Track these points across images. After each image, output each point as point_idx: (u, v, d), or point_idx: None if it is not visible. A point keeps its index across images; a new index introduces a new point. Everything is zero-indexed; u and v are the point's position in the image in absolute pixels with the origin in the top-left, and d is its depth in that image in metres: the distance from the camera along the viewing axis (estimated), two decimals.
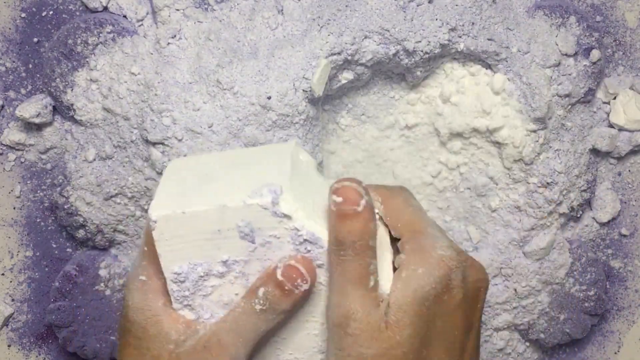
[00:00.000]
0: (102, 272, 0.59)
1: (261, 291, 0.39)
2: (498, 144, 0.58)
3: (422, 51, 0.54)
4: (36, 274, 0.62)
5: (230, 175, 0.42)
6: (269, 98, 0.53)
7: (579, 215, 0.62)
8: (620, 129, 0.61)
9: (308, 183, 0.42)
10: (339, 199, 0.37)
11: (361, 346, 0.37)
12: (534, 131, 0.57)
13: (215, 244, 0.40)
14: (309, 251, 0.39)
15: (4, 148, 0.60)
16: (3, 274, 0.61)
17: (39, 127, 0.59)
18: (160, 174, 0.54)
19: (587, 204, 0.62)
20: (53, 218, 0.61)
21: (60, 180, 0.58)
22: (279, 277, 0.38)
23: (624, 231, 0.64)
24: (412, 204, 0.42)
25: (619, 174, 0.63)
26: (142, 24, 0.57)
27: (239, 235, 0.39)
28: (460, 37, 0.55)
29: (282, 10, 0.54)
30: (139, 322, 0.41)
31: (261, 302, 0.39)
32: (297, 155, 0.43)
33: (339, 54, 0.53)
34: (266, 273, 0.39)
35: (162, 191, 0.41)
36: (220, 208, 0.39)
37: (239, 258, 0.40)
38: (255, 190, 0.39)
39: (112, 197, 0.57)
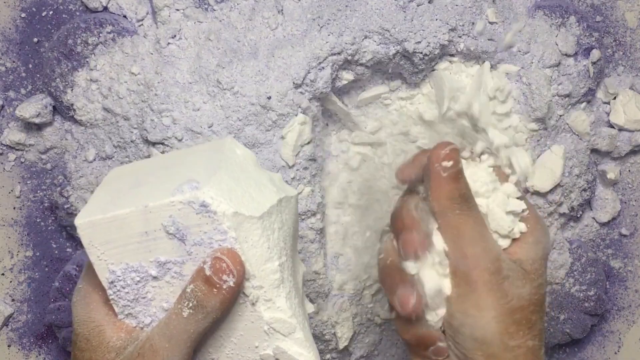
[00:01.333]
0: None
1: (190, 288, 0.38)
2: None
3: (421, 52, 0.54)
4: (36, 274, 0.62)
5: (159, 177, 0.41)
6: (269, 98, 0.53)
7: (579, 215, 0.62)
8: (620, 129, 0.61)
9: (242, 176, 0.41)
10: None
11: (517, 287, 0.41)
12: (534, 131, 0.57)
13: (146, 246, 0.39)
14: (236, 243, 0.38)
15: (4, 148, 0.60)
16: (3, 274, 0.61)
17: (39, 127, 0.59)
18: None
19: (587, 204, 0.62)
20: (53, 218, 0.61)
21: (60, 180, 0.58)
22: (207, 272, 0.38)
23: (624, 231, 0.64)
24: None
25: (619, 174, 0.63)
26: (142, 24, 0.57)
27: (167, 235, 0.38)
28: (460, 37, 0.55)
29: (282, 10, 0.54)
30: (83, 334, 0.41)
31: (190, 301, 0.38)
32: (232, 149, 0.42)
33: (339, 54, 0.53)
34: (196, 270, 0.39)
35: (93, 200, 0.41)
36: (143, 209, 0.38)
37: (172, 259, 0.39)
38: (177, 187, 0.38)
39: None
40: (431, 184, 0.41)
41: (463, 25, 0.55)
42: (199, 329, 0.39)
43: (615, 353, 0.66)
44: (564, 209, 0.59)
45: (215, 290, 0.38)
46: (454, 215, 0.41)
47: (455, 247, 0.41)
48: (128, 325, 0.41)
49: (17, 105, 0.58)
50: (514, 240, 0.43)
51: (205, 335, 0.41)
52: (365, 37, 0.54)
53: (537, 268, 0.43)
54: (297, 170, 0.54)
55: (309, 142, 0.54)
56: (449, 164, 0.40)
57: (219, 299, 0.38)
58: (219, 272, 0.38)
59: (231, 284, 0.38)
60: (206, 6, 0.55)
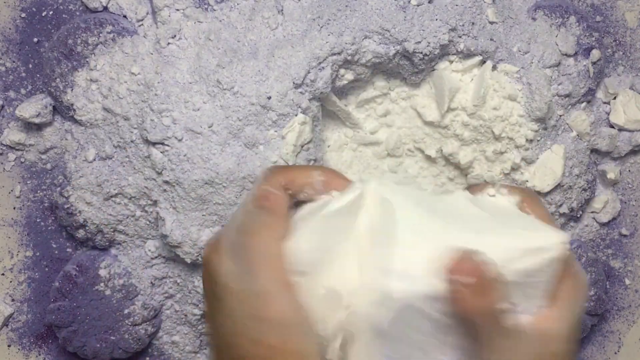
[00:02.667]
0: (102, 272, 0.59)
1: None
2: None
3: (421, 52, 0.54)
4: (36, 274, 0.62)
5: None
6: (269, 98, 0.53)
7: (579, 216, 0.62)
8: (620, 129, 0.61)
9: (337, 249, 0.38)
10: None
11: None
12: (534, 131, 0.57)
13: None
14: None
15: (4, 148, 0.60)
16: (3, 274, 0.61)
17: (39, 127, 0.59)
18: (160, 174, 0.54)
19: (587, 204, 0.62)
20: (53, 218, 0.61)
21: (60, 180, 0.58)
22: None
23: (624, 231, 0.64)
24: (550, 217, 0.42)
25: (619, 174, 0.63)
26: (142, 24, 0.57)
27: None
28: (460, 37, 0.55)
29: (282, 10, 0.54)
30: None
31: None
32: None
33: (339, 54, 0.53)
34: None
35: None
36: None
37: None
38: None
39: (112, 197, 0.57)
40: (455, 303, 0.37)
41: (463, 25, 0.55)
42: None
43: (615, 353, 0.66)
44: (564, 209, 0.59)
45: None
46: (488, 334, 0.38)
47: None
48: None
49: (17, 105, 0.58)
50: None
51: None
52: (365, 37, 0.54)
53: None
54: None
55: (309, 142, 0.54)
56: (469, 279, 0.37)
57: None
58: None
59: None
60: (206, 6, 0.55)
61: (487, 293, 0.37)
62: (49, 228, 0.62)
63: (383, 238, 0.37)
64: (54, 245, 0.62)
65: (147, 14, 0.57)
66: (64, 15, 0.59)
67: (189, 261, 0.56)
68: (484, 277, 0.37)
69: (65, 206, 0.58)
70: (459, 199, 0.41)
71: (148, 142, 0.54)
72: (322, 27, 0.54)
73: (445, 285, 0.37)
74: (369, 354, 0.37)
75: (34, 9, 0.59)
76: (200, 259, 0.56)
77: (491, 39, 0.56)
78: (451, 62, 0.57)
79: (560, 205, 0.59)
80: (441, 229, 0.38)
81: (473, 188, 0.43)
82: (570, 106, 0.58)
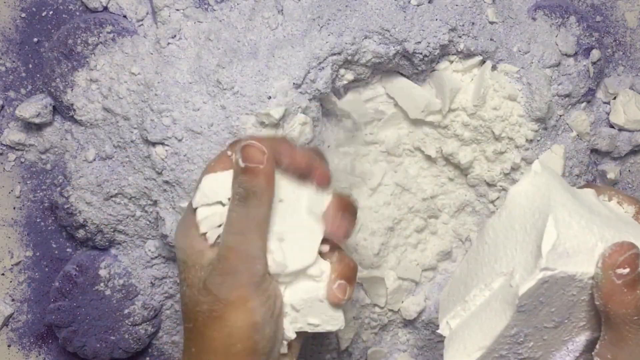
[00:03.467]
0: (102, 272, 0.59)
1: (234, 186, 0.42)
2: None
3: (421, 53, 0.54)
4: (36, 274, 0.62)
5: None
6: (269, 98, 0.53)
7: None
8: (620, 129, 0.61)
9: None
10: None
11: None
12: (534, 131, 0.57)
13: None
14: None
15: (4, 148, 0.60)
16: (3, 274, 0.61)
17: (39, 127, 0.59)
18: (160, 173, 0.54)
19: None
20: (53, 218, 0.61)
21: (60, 180, 0.58)
22: (242, 164, 0.41)
23: None
24: None
25: (619, 174, 0.63)
26: (142, 24, 0.57)
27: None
28: (460, 37, 0.55)
29: (282, 10, 0.54)
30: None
31: (239, 194, 0.41)
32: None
33: (339, 54, 0.53)
34: (233, 172, 0.42)
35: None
36: None
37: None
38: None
39: (112, 197, 0.57)
40: (603, 290, 0.37)
41: (463, 25, 0.55)
42: (259, 215, 0.41)
43: None
44: None
45: (251, 172, 0.41)
46: (624, 329, 0.37)
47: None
48: None
49: (17, 105, 0.58)
50: None
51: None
52: (365, 37, 0.54)
53: None
54: None
55: (309, 143, 0.54)
56: (625, 271, 0.37)
57: (264, 178, 0.41)
58: (251, 157, 0.41)
59: (265, 161, 0.41)
60: (206, 6, 0.55)
61: (636, 287, 0.37)
62: (49, 228, 0.62)
63: (537, 212, 0.38)
64: (54, 245, 0.62)
65: (147, 14, 0.57)
66: (64, 15, 0.59)
67: None
68: (637, 272, 0.37)
69: (65, 206, 0.58)
70: (590, 196, 0.41)
71: (148, 142, 0.54)
72: (322, 27, 0.54)
73: (595, 271, 0.37)
74: (494, 321, 0.39)
75: (34, 9, 0.59)
76: None
77: (491, 39, 0.56)
78: (451, 62, 0.57)
79: None
80: (590, 217, 0.38)
81: (595, 189, 0.43)
82: (570, 106, 0.58)
